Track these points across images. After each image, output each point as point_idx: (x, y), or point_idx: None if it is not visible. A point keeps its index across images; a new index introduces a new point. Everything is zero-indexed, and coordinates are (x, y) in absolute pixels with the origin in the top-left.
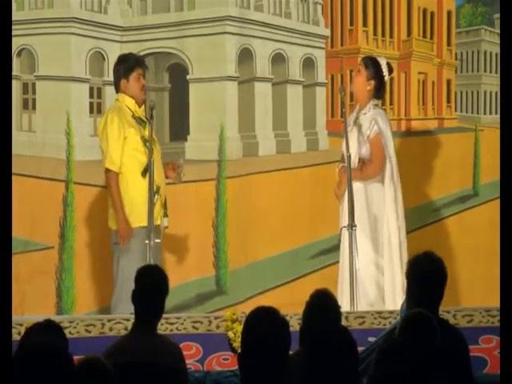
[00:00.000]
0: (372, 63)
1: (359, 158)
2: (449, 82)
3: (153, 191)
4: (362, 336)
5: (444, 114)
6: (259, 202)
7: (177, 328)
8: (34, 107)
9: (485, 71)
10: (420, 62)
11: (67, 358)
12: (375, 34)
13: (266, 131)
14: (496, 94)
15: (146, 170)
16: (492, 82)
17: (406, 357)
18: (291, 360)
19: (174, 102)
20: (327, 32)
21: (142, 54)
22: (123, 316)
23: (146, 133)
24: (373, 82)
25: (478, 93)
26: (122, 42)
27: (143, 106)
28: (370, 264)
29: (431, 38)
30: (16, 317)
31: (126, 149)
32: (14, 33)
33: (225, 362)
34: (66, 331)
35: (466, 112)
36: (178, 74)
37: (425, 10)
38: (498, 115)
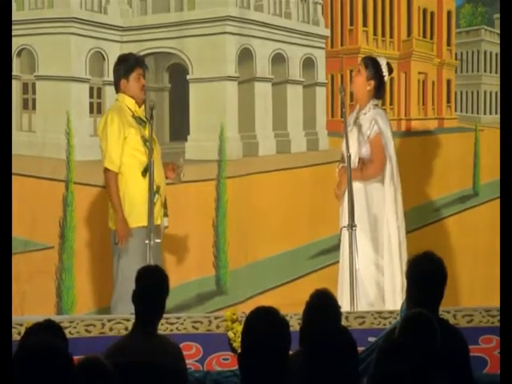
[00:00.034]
0: (372, 63)
1: (359, 158)
2: (449, 82)
3: (153, 191)
4: (362, 336)
5: (444, 114)
6: (259, 202)
7: (177, 328)
8: (34, 107)
9: (485, 71)
10: (420, 61)
11: (67, 358)
12: (375, 34)
13: (265, 131)
14: (496, 93)
15: (146, 170)
16: (492, 82)
17: (406, 357)
18: (291, 360)
19: (174, 101)
20: (327, 32)
21: (141, 53)
22: (123, 316)
23: (146, 133)
24: (373, 82)
25: (477, 93)
26: (122, 42)
27: (143, 106)
28: (369, 264)
29: (431, 37)
30: (16, 317)
31: (126, 149)
32: (14, 33)
33: (225, 362)
34: (66, 331)
35: (466, 112)
36: (178, 74)
37: (425, 10)
38: (498, 115)
